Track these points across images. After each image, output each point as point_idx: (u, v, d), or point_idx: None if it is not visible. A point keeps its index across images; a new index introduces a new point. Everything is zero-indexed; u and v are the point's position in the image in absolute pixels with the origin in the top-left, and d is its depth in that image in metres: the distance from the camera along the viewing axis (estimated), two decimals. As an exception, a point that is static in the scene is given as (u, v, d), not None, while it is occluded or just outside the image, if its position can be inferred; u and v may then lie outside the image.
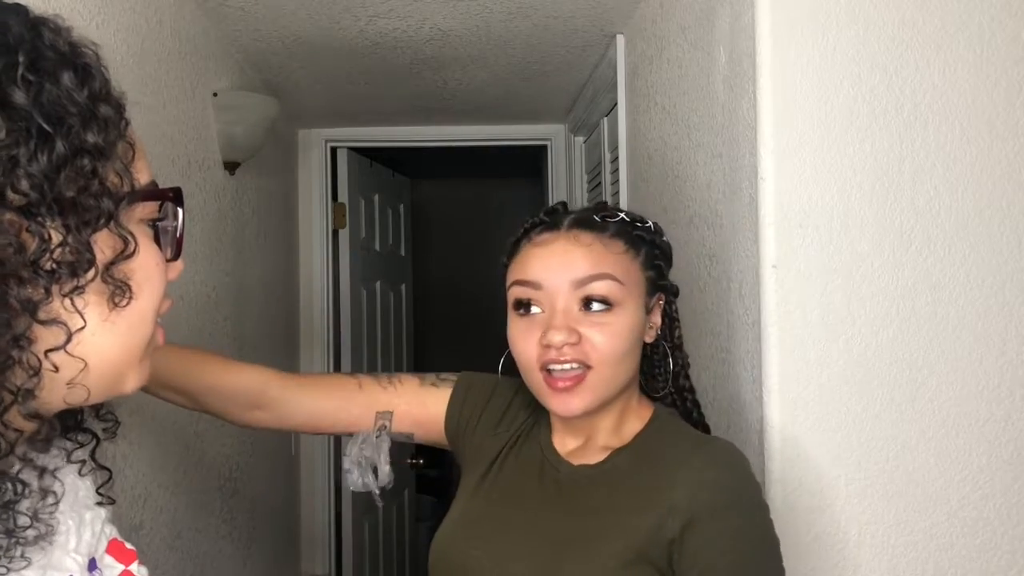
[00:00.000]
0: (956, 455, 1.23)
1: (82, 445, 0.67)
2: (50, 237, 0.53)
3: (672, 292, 1.08)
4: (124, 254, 0.57)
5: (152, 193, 0.62)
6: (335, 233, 3.25)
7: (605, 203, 1.14)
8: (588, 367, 0.97)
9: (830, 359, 1.21)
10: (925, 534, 1.22)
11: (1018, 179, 1.24)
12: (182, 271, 0.66)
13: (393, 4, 1.90)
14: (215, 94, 2.03)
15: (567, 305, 0.98)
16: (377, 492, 1.16)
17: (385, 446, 1.14)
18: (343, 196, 3.24)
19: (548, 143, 3.22)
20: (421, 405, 1.15)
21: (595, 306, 0.98)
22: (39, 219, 0.52)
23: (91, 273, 0.55)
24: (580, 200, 2.89)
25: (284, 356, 2.87)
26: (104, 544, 0.68)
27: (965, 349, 1.23)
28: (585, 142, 2.85)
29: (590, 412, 1.00)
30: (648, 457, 1.00)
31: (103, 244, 0.56)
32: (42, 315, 0.54)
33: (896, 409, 1.22)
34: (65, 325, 0.55)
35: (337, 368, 3.23)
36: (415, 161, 4.06)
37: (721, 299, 1.39)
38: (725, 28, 1.35)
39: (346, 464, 1.15)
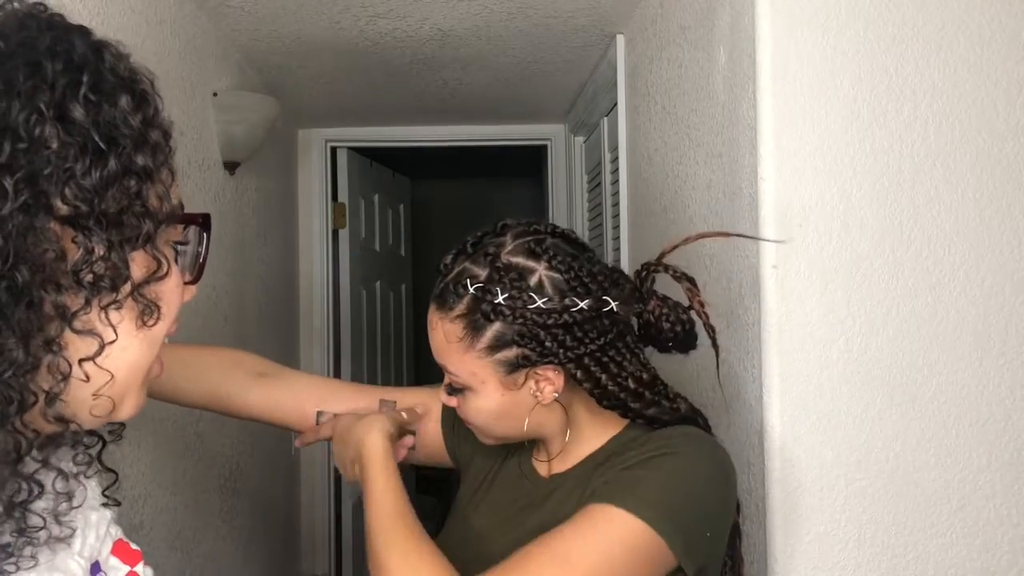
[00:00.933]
0: (956, 455, 1.23)
1: (88, 447, 0.68)
2: (93, 250, 0.55)
3: (568, 360, 0.93)
4: (157, 275, 0.59)
5: (185, 217, 0.64)
6: (335, 233, 3.25)
7: (497, 238, 0.96)
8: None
9: (830, 359, 1.21)
10: (925, 534, 1.23)
11: (1018, 179, 1.24)
12: (194, 297, 0.67)
13: (393, 4, 1.90)
14: (215, 94, 2.03)
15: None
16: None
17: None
18: (343, 196, 3.24)
19: (548, 143, 3.23)
20: (419, 397, 1.17)
21: (454, 384, 0.99)
22: (85, 231, 0.55)
23: (126, 289, 0.57)
24: (580, 202, 2.89)
25: (284, 356, 2.87)
26: (109, 546, 0.68)
27: (965, 349, 1.23)
28: (585, 142, 2.85)
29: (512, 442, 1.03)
30: (612, 456, 0.99)
31: (138, 263, 0.58)
32: (78, 324, 0.56)
33: (896, 409, 1.22)
34: (100, 336, 0.57)
35: (337, 368, 3.23)
36: (415, 161, 4.06)
37: (721, 299, 1.39)
38: (725, 28, 1.35)
39: None
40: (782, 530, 1.21)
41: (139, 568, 0.70)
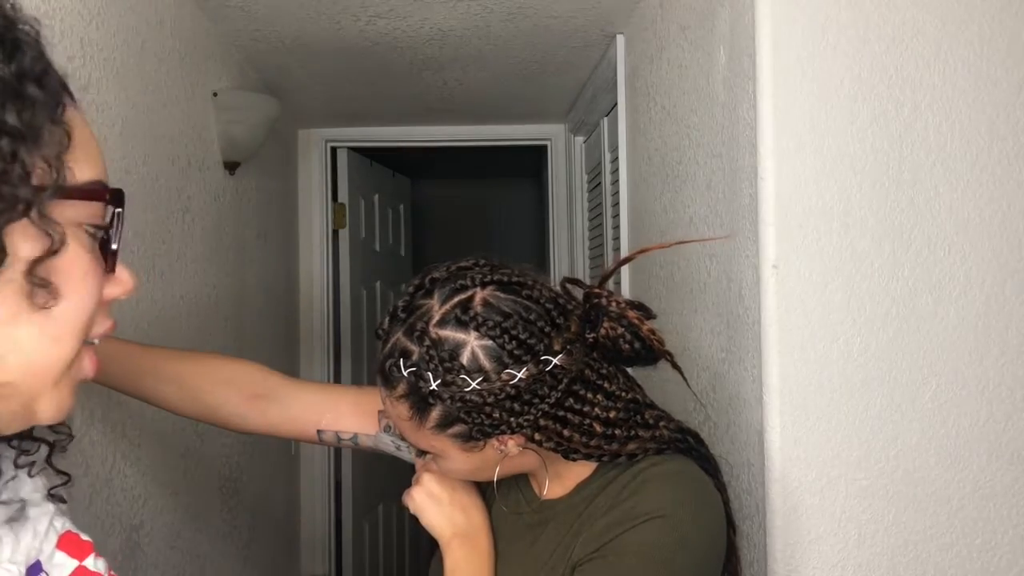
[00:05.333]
0: (956, 455, 1.23)
1: (27, 452, 0.63)
2: None
3: (520, 427, 0.89)
4: (49, 251, 0.51)
5: (84, 192, 0.54)
6: (335, 233, 3.25)
7: (419, 329, 0.90)
8: None
9: (830, 359, 1.21)
10: (925, 534, 1.23)
11: (1018, 179, 1.24)
12: (131, 290, 0.60)
13: (393, 4, 1.90)
14: (215, 94, 2.03)
15: None
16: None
17: (398, 439, 1.14)
18: (343, 196, 3.24)
19: (548, 143, 3.23)
20: None
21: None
22: None
23: (11, 265, 0.50)
24: (580, 201, 2.89)
25: (284, 356, 2.87)
26: (53, 542, 0.64)
27: (965, 349, 1.23)
28: (585, 142, 2.85)
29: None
30: (604, 486, 0.97)
31: (21, 237, 0.50)
32: None
33: (896, 409, 1.22)
34: None
35: (337, 369, 3.24)
36: (415, 161, 4.06)
37: (721, 299, 1.39)
38: (725, 28, 1.35)
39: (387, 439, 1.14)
40: (782, 530, 1.21)
41: (89, 561, 0.65)
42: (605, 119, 2.39)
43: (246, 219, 2.35)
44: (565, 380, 0.90)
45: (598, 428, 0.93)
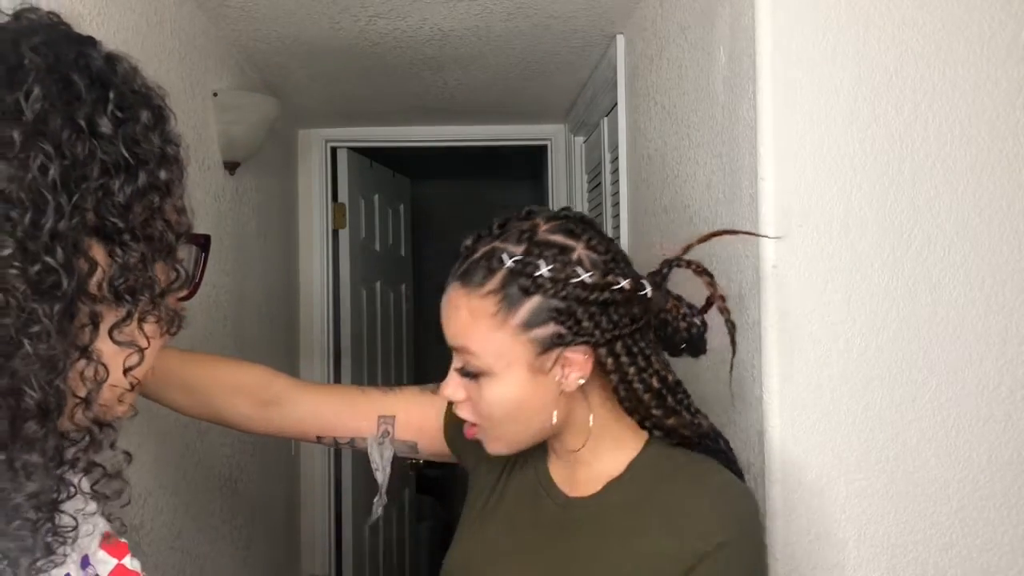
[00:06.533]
0: (956, 455, 1.23)
1: (75, 443, 0.68)
2: (127, 263, 0.58)
3: (602, 341, 0.90)
4: (175, 285, 0.62)
5: (192, 237, 0.66)
6: (335, 233, 3.25)
7: (526, 222, 0.94)
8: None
9: (830, 359, 1.21)
10: (925, 534, 1.22)
11: (1018, 179, 1.24)
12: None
13: (393, 4, 1.90)
14: (215, 94, 2.03)
15: (456, 361, 0.96)
16: (381, 493, 1.15)
17: (388, 453, 1.13)
18: (343, 196, 3.24)
19: (548, 143, 3.22)
20: (421, 410, 1.15)
21: (470, 372, 0.94)
22: (122, 245, 0.57)
23: (154, 299, 0.60)
24: (580, 202, 2.89)
25: (284, 356, 2.87)
26: (97, 540, 0.70)
27: (965, 349, 1.23)
28: (585, 142, 2.85)
29: (523, 451, 0.99)
30: (643, 492, 0.96)
31: (160, 274, 0.61)
32: (118, 336, 0.59)
33: (896, 409, 1.22)
34: (138, 345, 0.60)
35: (337, 369, 3.23)
36: (415, 161, 4.06)
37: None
38: (725, 28, 1.36)
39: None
40: (782, 530, 1.21)
41: (127, 561, 0.71)
42: (605, 119, 2.39)
43: (246, 219, 2.34)
44: (644, 319, 0.93)
45: (656, 384, 0.94)
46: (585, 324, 0.89)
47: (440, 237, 4.95)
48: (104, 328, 0.58)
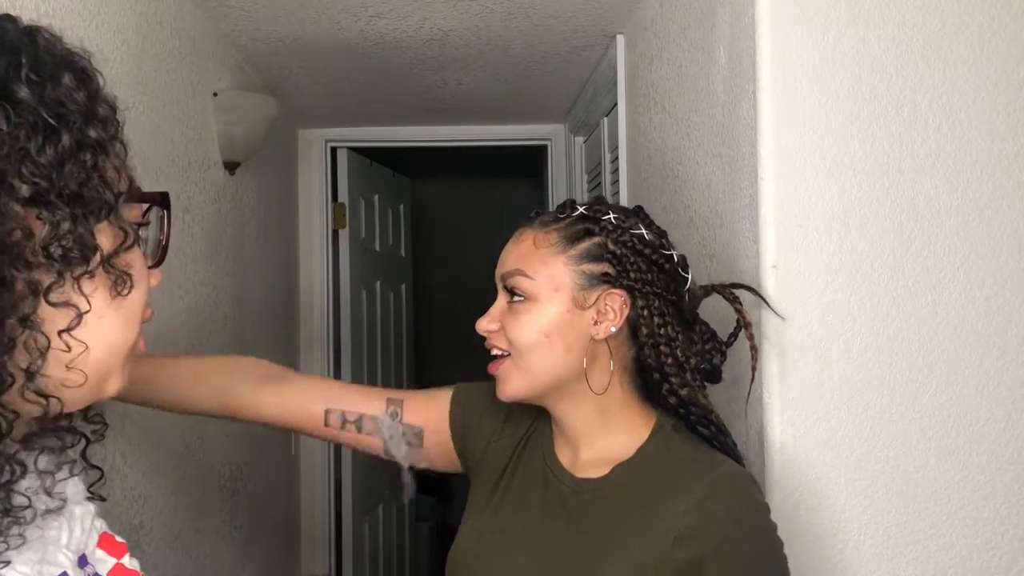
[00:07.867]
0: (956, 455, 1.23)
1: (71, 445, 0.69)
2: (59, 224, 0.56)
3: (637, 290, 0.99)
4: (124, 245, 0.60)
5: (143, 195, 0.65)
6: (335, 233, 3.25)
7: (600, 198, 1.11)
8: (507, 353, 1.02)
9: (830, 359, 1.21)
10: (925, 534, 1.23)
11: (1018, 179, 1.24)
12: (160, 282, 0.68)
13: (393, 4, 1.90)
14: (215, 94, 2.03)
15: (500, 298, 1.04)
16: (404, 468, 1.15)
17: (399, 430, 1.14)
18: (343, 196, 3.24)
19: (548, 143, 3.22)
20: (428, 401, 1.18)
21: (515, 298, 1.01)
22: (49, 206, 0.56)
23: (96, 259, 0.58)
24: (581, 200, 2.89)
25: (284, 356, 2.87)
26: (95, 539, 0.69)
27: (965, 349, 1.23)
28: (585, 142, 2.85)
29: (527, 399, 1.03)
30: (651, 476, 0.98)
31: (105, 235, 0.59)
32: (53, 297, 0.57)
33: (896, 409, 1.22)
34: (75, 307, 0.58)
35: (337, 369, 3.23)
36: (415, 161, 4.06)
37: (721, 299, 1.38)
38: (725, 28, 1.36)
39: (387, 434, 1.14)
40: (782, 530, 1.21)
41: (125, 560, 0.71)
42: (605, 119, 2.39)
43: (246, 219, 2.34)
44: (682, 303, 1.03)
45: (679, 354, 1.01)
46: (632, 272, 0.99)
47: (440, 237, 4.97)
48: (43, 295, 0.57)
